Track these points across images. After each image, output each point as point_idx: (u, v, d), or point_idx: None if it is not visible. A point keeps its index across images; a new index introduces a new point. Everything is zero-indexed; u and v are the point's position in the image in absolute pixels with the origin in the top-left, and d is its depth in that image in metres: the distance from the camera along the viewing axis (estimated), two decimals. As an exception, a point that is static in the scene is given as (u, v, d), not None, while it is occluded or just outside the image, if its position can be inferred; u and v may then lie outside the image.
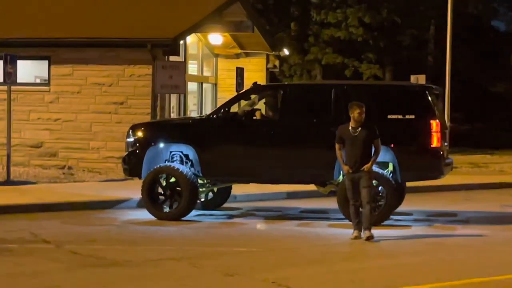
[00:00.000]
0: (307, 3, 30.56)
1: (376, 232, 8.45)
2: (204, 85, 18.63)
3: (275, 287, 5.62)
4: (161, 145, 10.44)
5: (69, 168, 15.53)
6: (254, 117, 10.83)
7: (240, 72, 17.41)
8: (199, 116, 14.03)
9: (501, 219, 10.92)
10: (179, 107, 17.17)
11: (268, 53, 18.55)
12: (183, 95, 16.94)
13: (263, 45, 17.99)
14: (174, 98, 17.02)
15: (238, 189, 11.82)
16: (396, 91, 11.54)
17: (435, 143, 9.82)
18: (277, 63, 18.60)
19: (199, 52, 18.91)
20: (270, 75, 21.48)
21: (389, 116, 10.02)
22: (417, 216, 11.27)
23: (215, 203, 11.18)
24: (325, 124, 9.87)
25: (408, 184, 11.28)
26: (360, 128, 8.28)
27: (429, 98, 10.39)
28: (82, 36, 16.08)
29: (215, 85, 18.18)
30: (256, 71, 18.79)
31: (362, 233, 8.10)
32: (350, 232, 8.21)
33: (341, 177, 9.09)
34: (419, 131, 10.08)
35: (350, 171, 8.16)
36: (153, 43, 15.12)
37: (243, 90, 13.50)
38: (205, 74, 19.32)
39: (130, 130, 10.63)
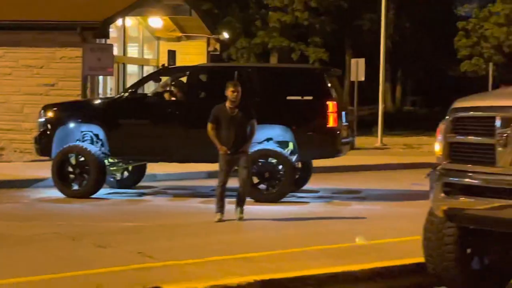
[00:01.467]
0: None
1: (271, 207, 9.34)
2: (146, 67, 19.11)
3: (138, 256, 5.85)
4: (72, 125, 10.85)
5: (1, 149, 16.03)
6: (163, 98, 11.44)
7: (172, 54, 18.16)
8: (109, 97, 14.70)
9: (402, 196, 11.60)
10: (117, 90, 17.60)
11: (209, 36, 19.01)
12: (119, 76, 18.47)
13: (203, 29, 18.74)
14: (112, 80, 18.10)
15: (159, 169, 12.59)
16: (296, 74, 12.31)
17: (331, 123, 10.39)
18: (217, 46, 19.28)
19: (140, 35, 19.41)
20: (217, 59, 22.37)
21: (288, 98, 10.69)
22: (322, 194, 11.84)
23: (130, 182, 11.72)
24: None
25: (330, 163, 12.69)
26: (237, 109, 8.53)
27: (326, 80, 11.10)
28: (14, 19, 16.65)
29: (157, 67, 18.63)
30: (197, 54, 19.38)
31: (236, 212, 8.66)
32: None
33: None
34: (317, 112, 10.66)
35: (228, 152, 8.27)
36: (83, 26, 15.76)
37: (151, 72, 14.26)
38: (146, 56, 19.76)
39: (42, 111, 11.03)
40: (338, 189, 12.83)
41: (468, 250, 5.60)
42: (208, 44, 19.27)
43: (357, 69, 20.12)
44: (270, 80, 11.20)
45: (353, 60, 21.38)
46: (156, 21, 17.87)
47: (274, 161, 10.05)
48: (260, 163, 10.12)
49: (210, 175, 12.96)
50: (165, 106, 11.85)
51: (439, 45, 35.48)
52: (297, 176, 11.37)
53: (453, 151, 5.12)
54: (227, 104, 8.57)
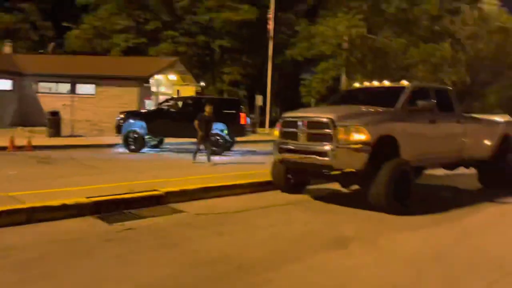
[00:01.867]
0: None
1: (217, 158, 12.61)
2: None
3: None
4: (131, 120, 14.30)
5: (102, 130, 20.68)
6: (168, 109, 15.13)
7: (178, 92, 22.85)
8: (148, 109, 18.63)
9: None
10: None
11: (196, 84, 23.09)
12: (156, 101, 23.00)
13: (193, 81, 22.91)
14: (151, 102, 23.14)
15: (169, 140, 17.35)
16: (228, 101, 17.83)
17: (242, 122, 14.40)
18: (199, 88, 23.52)
19: (165, 83, 23.66)
20: (198, 94, 27.89)
21: (224, 111, 14.07)
22: (240, 152, 15.30)
23: (158, 145, 15.63)
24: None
25: (243, 139, 16.77)
26: (209, 116, 11.09)
27: (240, 104, 15.25)
28: (112, 73, 22.57)
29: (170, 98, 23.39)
30: (191, 92, 23.91)
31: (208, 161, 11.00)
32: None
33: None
34: (236, 117, 14.30)
35: (199, 133, 10.96)
36: (138, 77, 22.01)
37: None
38: (167, 91, 25.69)
39: (119, 113, 15.04)
40: (246, 149, 16.25)
41: (289, 175, 7.78)
42: (196, 87, 23.06)
43: (258, 100, 24.26)
44: (217, 104, 14.09)
45: (257, 96, 28.09)
46: (172, 77, 21.97)
47: (218, 137, 13.86)
48: (213, 138, 13.22)
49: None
50: (171, 113, 14.86)
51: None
52: (228, 145, 14.96)
53: (282, 134, 7.31)
54: (206, 113, 11.07)
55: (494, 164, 8.78)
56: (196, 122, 10.80)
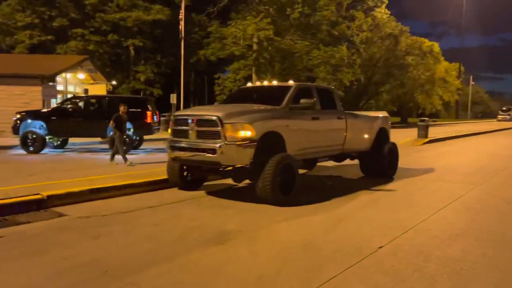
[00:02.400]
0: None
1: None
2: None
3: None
4: (29, 120, 13.42)
5: (2, 131, 18.60)
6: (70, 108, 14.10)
7: (86, 91, 21.55)
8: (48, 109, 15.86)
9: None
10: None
11: (106, 82, 22.12)
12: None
13: (104, 79, 21.82)
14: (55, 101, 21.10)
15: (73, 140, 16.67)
16: (135, 99, 15.92)
17: (148, 120, 13.82)
18: (110, 87, 22.61)
19: (74, 81, 22.29)
20: (110, 93, 26.55)
21: (130, 109, 12.48)
22: (148, 150, 14.55)
23: (61, 145, 14.48)
24: (103, 114, 13.24)
25: (151, 137, 15.86)
26: (124, 115, 10.58)
27: (147, 102, 14.13)
28: (11, 72, 20.11)
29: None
30: (102, 91, 22.68)
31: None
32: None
33: (110, 134, 12.25)
34: (142, 115, 13.69)
35: (117, 134, 10.40)
36: (42, 76, 19.83)
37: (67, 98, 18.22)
38: (77, 90, 24.14)
39: (16, 113, 14.10)
40: (156, 147, 15.30)
41: (186, 172, 7.63)
42: (107, 86, 22.03)
43: (172, 98, 23.94)
44: (123, 102, 13.50)
45: (171, 95, 27.38)
46: (81, 75, 20.83)
47: (124, 136, 12.30)
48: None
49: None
50: (73, 112, 13.86)
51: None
52: (136, 143, 14.55)
53: (175, 132, 7.11)
54: (120, 112, 10.48)
55: (372, 155, 9.38)
56: (111, 122, 10.22)
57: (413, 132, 22.68)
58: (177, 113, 7.35)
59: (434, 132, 24.61)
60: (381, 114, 10.01)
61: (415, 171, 10.61)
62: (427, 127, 21.33)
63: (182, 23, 26.11)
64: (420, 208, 6.62)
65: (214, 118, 6.53)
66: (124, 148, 12.27)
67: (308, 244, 4.76)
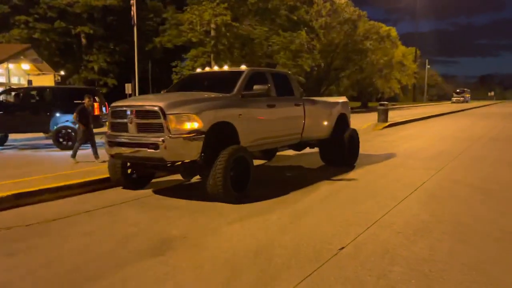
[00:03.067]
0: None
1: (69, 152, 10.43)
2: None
3: None
4: None
5: None
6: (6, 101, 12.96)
7: (30, 82, 19.99)
8: None
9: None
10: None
11: (54, 73, 20.64)
12: None
13: (51, 70, 20.33)
14: None
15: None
16: (82, 90, 14.21)
17: (96, 112, 12.61)
18: (58, 78, 21.10)
19: (19, 72, 20.45)
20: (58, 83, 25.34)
21: (75, 101, 12.30)
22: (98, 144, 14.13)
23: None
24: (44, 107, 12.51)
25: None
26: (89, 107, 9.72)
27: (94, 93, 13.20)
28: None
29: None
30: (49, 82, 21.03)
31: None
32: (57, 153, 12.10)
33: (54, 128, 11.96)
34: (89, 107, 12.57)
35: (81, 128, 9.37)
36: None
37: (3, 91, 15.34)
38: (22, 83, 22.52)
39: None
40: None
41: (130, 169, 6.89)
42: (55, 77, 20.55)
43: (128, 88, 22.71)
44: (67, 94, 13.33)
45: (126, 84, 26.17)
46: (25, 66, 19.18)
47: (69, 130, 12.05)
48: (63, 131, 11.95)
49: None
50: (10, 105, 12.69)
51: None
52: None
53: (113, 126, 6.33)
54: (85, 105, 9.51)
55: (332, 142, 8.89)
56: (74, 115, 9.29)
57: (373, 117, 22.73)
58: (114, 104, 6.49)
59: (394, 115, 24.72)
60: (341, 99, 9.58)
61: (377, 157, 10.33)
62: (386, 111, 21.36)
63: (133, 8, 24.77)
64: (383, 199, 6.23)
65: (155, 108, 5.79)
66: (66, 143, 11.69)
67: (260, 250, 4.18)
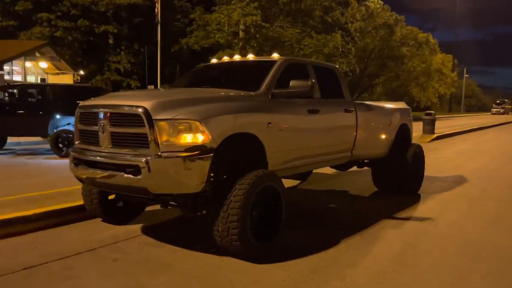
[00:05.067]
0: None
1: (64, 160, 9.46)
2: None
3: None
4: None
5: None
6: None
7: (43, 81, 18.33)
8: None
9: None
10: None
11: (74, 72, 19.18)
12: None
13: (69, 69, 19.00)
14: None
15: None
16: (83, 89, 12.94)
17: None
18: (78, 78, 19.66)
19: (37, 71, 19.20)
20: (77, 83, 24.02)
21: (77, 101, 11.05)
22: None
23: None
24: (43, 107, 10.89)
25: None
26: None
27: (100, 92, 11.02)
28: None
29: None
30: (69, 82, 19.62)
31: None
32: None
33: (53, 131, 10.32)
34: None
35: None
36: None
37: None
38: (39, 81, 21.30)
39: None
40: None
41: (112, 195, 4.80)
42: (74, 76, 19.11)
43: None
44: (70, 92, 11.62)
45: (149, 86, 24.13)
46: (43, 64, 17.71)
47: (70, 135, 10.12)
48: (64, 136, 10.17)
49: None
50: (6, 105, 11.01)
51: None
52: None
53: (80, 135, 4.31)
54: None
55: (391, 162, 6.49)
56: None
57: (414, 127, 20.29)
58: (82, 103, 4.39)
59: (436, 126, 22.19)
60: (400, 105, 7.27)
61: (443, 181, 7.84)
62: (433, 121, 18.67)
63: (158, 5, 23.12)
64: (493, 264, 3.82)
65: (137, 110, 3.64)
66: (66, 149, 9.86)
67: None
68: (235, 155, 4.05)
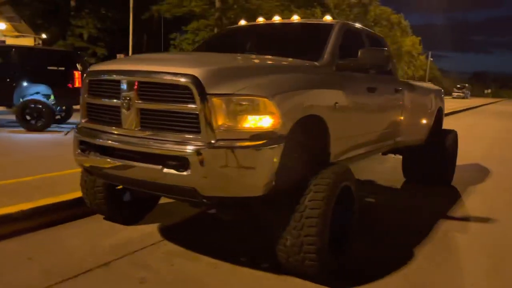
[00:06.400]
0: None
1: (39, 135, 8.54)
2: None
3: None
4: None
5: None
6: None
7: (2, 42, 16.27)
8: None
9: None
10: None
11: (35, 36, 17.13)
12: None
13: (31, 31, 16.93)
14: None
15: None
16: (56, 53, 11.33)
17: (76, 84, 9.72)
18: (39, 42, 17.62)
19: None
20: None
21: (48, 67, 9.79)
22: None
23: None
24: (7, 74, 9.55)
25: None
26: None
27: (75, 58, 10.25)
28: None
29: None
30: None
31: None
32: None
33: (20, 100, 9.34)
34: (68, 77, 9.67)
35: None
36: None
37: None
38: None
39: None
40: None
41: (120, 187, 3.78)
42: (35, 40, 17.12)
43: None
44: (38, 56, 10.05)
45: (118, 55, 22.28)
46: (1, 25, 15.80)
47: (40, 106, 9.24)
48: (32, 106, 9.17)
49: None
50: None
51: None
52: (61, 116, 10.61)
53: (90, 111, 3.18)
54: None
55: (430, 149, 5.63)
56: None
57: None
58: (95, 67, 3.22)
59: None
60: (435, 86, 6.48)
61: (463, 170, 6.91)
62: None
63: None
64: None
65: (183, 80, 2.57)
66: (34, 122, 8.97)
67: None
68: (295, 146, 2.97)
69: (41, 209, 3.74)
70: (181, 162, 2.59)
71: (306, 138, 3.10)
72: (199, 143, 2.58)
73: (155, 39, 38.33)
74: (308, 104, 3.03)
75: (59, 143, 7.64)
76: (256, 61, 3.31)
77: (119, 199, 3.85)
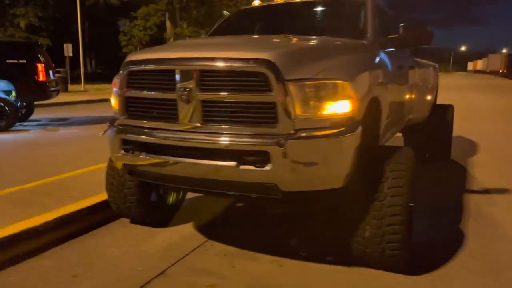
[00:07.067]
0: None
1: (3, 136, 7.97)
2: None
3: None
4: None
5: None
6: None
7: None
8: None
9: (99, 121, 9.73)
10: None
11: None
12: None
13: None
14: None
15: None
16: (14, 45, 10.28)
17: (41, 78, 9.28)
18: None
19: None
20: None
21: (8, 61, 9.14)
22: (43, 122, 10.41)
23: None
24: None
25: (51, 102, 11.05)
26: None
27: (37, 50, 9.68)
28: None
29: None
30: None
31: None
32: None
33: None
34: (30, 70, 9.18)
35: None
36: None
37: None
38: None
39: None
40: (55, 118, 11.22)
41: (148, 187, 3.49)
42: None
43: (68, 49, 18.09)
44: None
45: (65, 44, 21.40)
46: None
47: (1, 104, 8.73)
48: None
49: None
50: None
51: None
52: (22, 113, 9.95)
53: (130, 106, 2.82)
54: None
55: (432, 126, 5.65)
56: None
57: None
58: (137, 56, 2.77)
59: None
60: (431, 62, 6.56)
61: (466, 145, 7.17)
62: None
63: None
64: None
65: (256, 66, 2.25)
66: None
67: None
68: (364, 131, 2.63)
69: (66, 218, 3.28)
70: (260, 157, 2.31)
71: (370, 123, 2.87)
72: (278, 135, 2.31)
73: (100, 26, 36.20)
74: (374, 86, 2.85)
75: (30, 144, 7.08)
76: (320, 42, 3.04)
77: (149, 201, 3.48)
